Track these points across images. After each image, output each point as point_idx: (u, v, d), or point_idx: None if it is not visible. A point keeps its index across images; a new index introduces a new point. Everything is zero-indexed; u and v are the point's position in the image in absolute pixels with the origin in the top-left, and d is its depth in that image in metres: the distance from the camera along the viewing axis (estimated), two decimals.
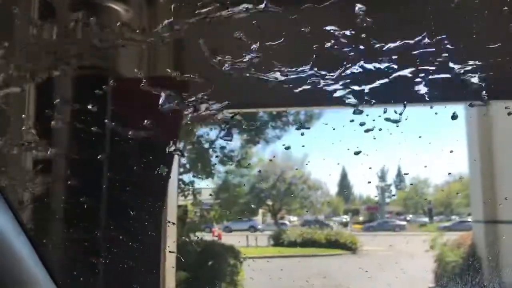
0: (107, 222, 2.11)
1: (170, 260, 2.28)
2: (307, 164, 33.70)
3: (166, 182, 2.20)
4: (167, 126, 2.14)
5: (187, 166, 10.89)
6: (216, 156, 11.15)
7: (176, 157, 2.33)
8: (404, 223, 43.62)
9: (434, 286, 12.22)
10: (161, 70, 2.31)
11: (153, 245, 2.14)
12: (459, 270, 11.60)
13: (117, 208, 2.15)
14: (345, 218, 45.86)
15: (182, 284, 5.93)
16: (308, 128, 10.88)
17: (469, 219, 30.08)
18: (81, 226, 2.09)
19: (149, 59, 2.33)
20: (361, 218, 49.67)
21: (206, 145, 11.01)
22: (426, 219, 45.67)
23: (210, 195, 18.94)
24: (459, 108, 2.31)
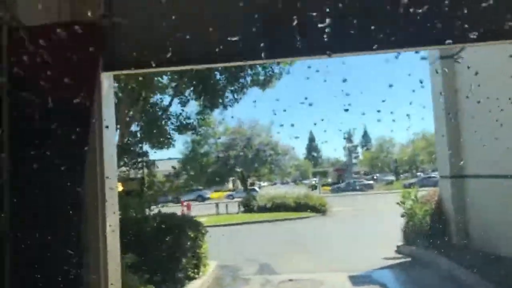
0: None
1: (113, 243, 1.75)
2: (277, 131, 33.60)
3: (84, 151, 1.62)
4: (83, 82, 1.55)
5: (140, 135, 10.14)
6: (171, 123, 10.42)
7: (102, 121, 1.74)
8: (371, 182, 44.60)
9: (403, 244, 12.23)
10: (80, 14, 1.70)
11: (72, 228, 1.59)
12: (427, 226, 11.60)
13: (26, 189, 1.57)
14: (314, 180, 46.50)
15: (132, 268, 5.45)
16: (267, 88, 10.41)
17: (434, 175, 30.85)
18: None
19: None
20: (329, 180, 50.54)
21: (160, 113, 10.24)
22: (392, 177, 46.81)
23: (173, 167, 18.35)
24: (424, 62, 1.84)
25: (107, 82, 1.87)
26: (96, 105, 1.82)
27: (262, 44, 1.77)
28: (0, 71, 1.74)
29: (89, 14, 1.83)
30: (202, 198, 35.66)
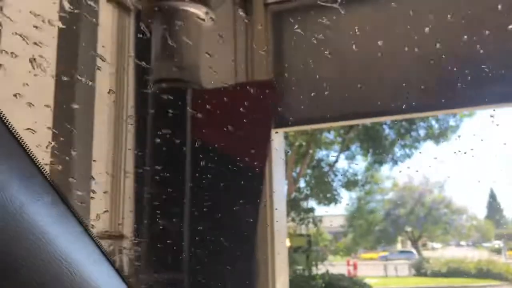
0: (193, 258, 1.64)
1: None
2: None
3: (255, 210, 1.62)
4: (254, 143, 1.57)
5: (306, 191, 10.30)
6: (339, 181, 10.42)
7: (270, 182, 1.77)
8: None
9: None
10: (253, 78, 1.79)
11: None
12: None
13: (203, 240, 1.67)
14: (498, 244, 41.02)
15: None
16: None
17: None
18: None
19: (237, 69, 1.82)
20: None
21: (326, 169, 10.35)
22: None
23: (342, 227, 18.31)
24: None
25: (278, 138, 1.89)
26: (267, 160, 1.84)
27: (437, 96, 1.62)
28: (184, 129, 1.90)
29: (262, 74, 1.89)
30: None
